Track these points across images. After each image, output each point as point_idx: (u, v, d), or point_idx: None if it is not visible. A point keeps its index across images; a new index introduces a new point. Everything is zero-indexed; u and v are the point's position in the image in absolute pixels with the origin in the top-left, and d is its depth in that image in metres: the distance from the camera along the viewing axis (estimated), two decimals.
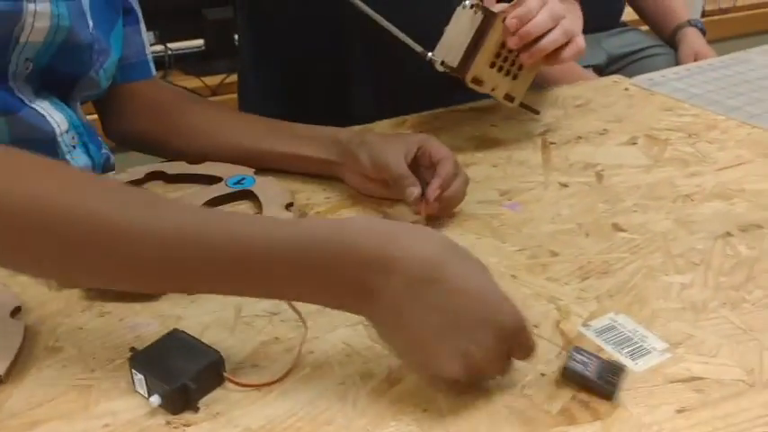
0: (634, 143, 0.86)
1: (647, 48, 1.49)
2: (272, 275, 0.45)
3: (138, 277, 0.47)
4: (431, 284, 0.44)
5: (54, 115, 0.69)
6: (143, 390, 0.47)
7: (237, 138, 0.75)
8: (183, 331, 0.51)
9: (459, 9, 0.78)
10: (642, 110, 0.96)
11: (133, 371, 0.48)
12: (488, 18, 0.77)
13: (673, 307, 0.56)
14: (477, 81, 0.80)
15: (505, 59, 0.80)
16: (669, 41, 1.48)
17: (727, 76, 1.07)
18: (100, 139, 0.80)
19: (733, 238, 0.66)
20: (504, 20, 0.77)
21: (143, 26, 0.81)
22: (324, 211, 0.71)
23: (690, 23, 1.45)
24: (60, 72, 0.70)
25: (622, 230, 0.67)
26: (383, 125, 0.91)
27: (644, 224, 0.68)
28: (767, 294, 0.58)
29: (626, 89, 1.03)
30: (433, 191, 0.65)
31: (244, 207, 0.71)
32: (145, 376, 0.47)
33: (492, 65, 0.79)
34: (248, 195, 0.71)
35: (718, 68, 1.11)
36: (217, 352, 0.49)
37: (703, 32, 1.45)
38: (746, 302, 0.57)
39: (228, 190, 0.70)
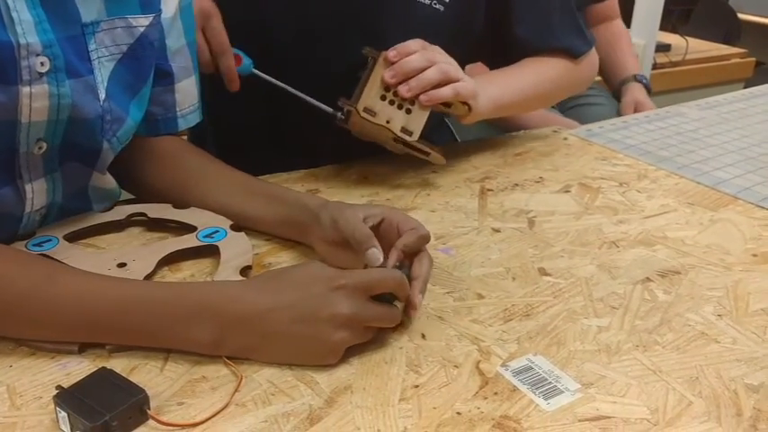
0: (567, 191, 0.89)
1: (592, 96, 1.54)
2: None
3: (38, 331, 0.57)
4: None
5: (38, 197, 0.70)
6: (66, 427, 0.48)
7: (214, 195, 0.77)
8: (111, 369, 0.52)
9: None
10: (578, 159, 1.00)
11: (57, 408, 0.49)
12: (374, 58, 0.84)
13: (588, 349, 0.59)
14: (369, 111, 0.85)
15: (395, 94, 0.84)
16: (614, 93, 1.54)
17: (661, 128, 1.13)
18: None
19: (652, 284, 0.69)
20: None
21: (185, 84, 0.80)
22: None
23: (635, 78, 1.50)
24: (80, 146, 0.70)
25: (548, 275, 0.70)
26: (328, 170, 0.94)
27: (569, 269, 0.71)
28: (678, 337, 0.61)
29: (565, 138, 1.08)
30: (417, 297, 0.61)
31: (203, 263, 0.70)
32: (68, 413, 0.48)
33: (383, 98, 0.85)
34: (215, 250, 0.71)
35: (653, 120, 1.16)
36: (142, 390, 0.50)
37: (648, 88, 1.50)
38: (658, 345, 0.60)
39: (197, 243, 0.71)
